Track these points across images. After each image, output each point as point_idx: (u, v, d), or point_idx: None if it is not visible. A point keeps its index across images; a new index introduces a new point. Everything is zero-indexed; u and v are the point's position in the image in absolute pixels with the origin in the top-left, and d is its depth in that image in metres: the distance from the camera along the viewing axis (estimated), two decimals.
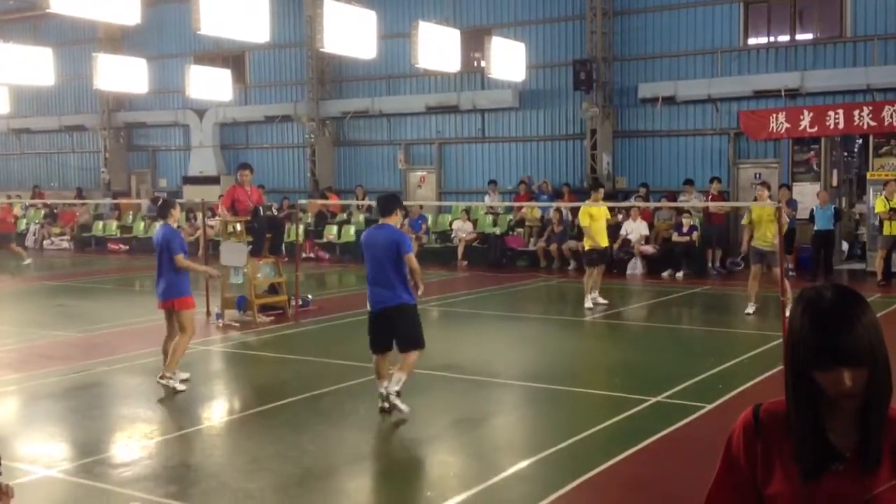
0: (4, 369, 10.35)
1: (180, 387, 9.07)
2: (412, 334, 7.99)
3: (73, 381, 9.76)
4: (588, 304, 14.31)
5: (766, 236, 12.88)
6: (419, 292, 8.12)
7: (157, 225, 9.98)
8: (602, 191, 15.30)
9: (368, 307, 8.06)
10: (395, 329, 7.96)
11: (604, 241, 14.68)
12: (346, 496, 6.47)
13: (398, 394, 7.91)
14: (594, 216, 14.46)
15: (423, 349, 8.12)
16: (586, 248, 14.74)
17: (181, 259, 9.15)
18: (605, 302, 14.53)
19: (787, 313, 9.37)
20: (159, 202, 10.13)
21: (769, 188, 14.26)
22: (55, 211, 29.25)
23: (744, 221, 13.65)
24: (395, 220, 8.16)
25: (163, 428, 8.11)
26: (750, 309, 13.34)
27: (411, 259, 7.95)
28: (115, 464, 6.99)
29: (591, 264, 14.62)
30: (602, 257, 14.82)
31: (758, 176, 20.35)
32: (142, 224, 27.26)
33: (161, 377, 9.06)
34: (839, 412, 2.09)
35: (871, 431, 2.07)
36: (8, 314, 15.23)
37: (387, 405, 7.93)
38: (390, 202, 8.18)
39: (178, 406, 8.81)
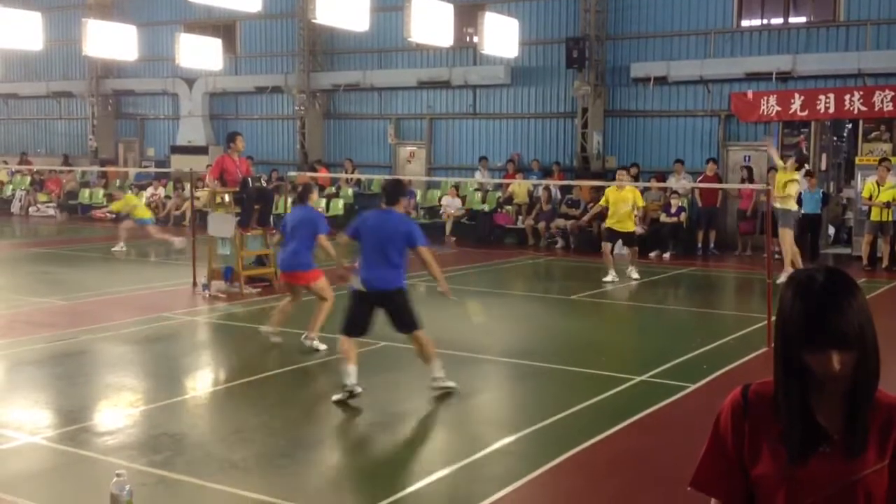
0: None
1: (321, 346, 9.45)
2: (409, 317, 7.76)
3: (57, 349, 9.73)
4: (608, 277, 14.61)
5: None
6: (447, 293, 7.93)
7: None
8: (624, 172, 15.48)
9: (360, 286, 7.68)
10: (390, 313, 7.74)
11: (619, 226, 14.75)
12: (330, 468, 6.49)
13: (441, 378, 7.91)
14: (610, 200, 14.68)
15: (422, 328, 7.85)
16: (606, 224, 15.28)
17: (324, 239, 9.60)
18: (637, 277, 14.94)
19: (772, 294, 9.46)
20: (299, 189, 10.57)
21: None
22: (42, 178, 29.01)
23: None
24: (401, 207, 8.00)
25: (148, 397, 8.11)
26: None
27: (425, 252, 7.76)
28: (100, 432, 6.99)
29: (606, 240, 15.10)
30: (614, 237, 15.01)
31: (747, 158, 20.38)
32: (129, 193, 27.00)
33: (305, 337, 9.51)
34: (827, 394, 2.10)
35: (858, 414, 2.08)
36: None
37: (353, 393, 7.59)
38: (396, 191, 8.02)
39: (163, 375, 8.80)
